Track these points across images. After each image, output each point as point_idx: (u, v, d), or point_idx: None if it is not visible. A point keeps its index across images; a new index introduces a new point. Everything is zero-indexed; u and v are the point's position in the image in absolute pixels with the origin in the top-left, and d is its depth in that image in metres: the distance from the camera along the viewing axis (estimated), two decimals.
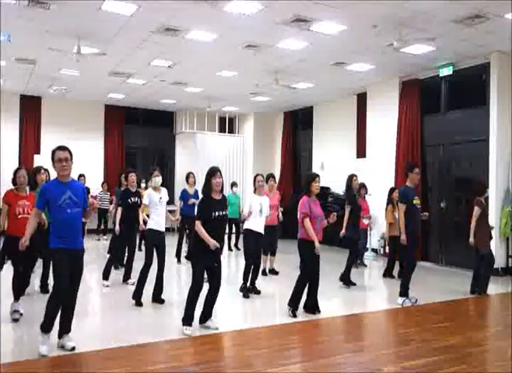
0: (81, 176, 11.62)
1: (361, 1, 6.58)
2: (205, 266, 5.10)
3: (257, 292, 7.03)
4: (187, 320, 5.03)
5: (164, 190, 6.59)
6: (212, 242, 4.89)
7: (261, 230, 6.95)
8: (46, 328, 4.44)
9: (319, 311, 5.95)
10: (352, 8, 6.86)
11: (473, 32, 7.67)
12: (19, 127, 13.58)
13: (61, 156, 4.49)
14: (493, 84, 8.87)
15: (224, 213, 5.11)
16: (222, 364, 4.35)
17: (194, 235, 5.21)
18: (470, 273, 7.56)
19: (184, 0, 6.65)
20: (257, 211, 6.87)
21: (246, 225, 6.99)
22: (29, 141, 13.61)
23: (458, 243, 9.55)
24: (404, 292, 6.52)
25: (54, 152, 4.55)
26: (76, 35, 8.06)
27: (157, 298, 6.32)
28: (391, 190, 8.67)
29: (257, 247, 6.97)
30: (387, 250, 10.74)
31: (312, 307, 5.96)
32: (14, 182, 5.79)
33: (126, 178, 7.48)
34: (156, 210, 6.38)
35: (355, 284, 7.68)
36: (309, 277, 5.87)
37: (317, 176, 5.96)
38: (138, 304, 6.17)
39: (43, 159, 13.41)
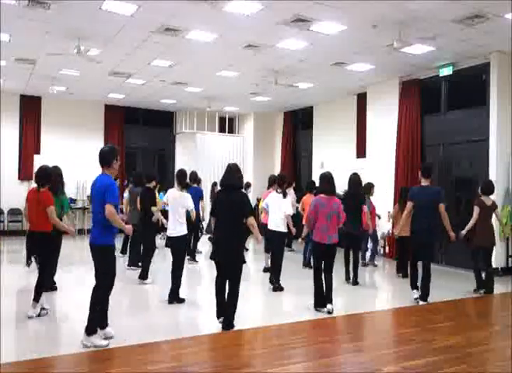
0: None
1: (361, 1, 6.58)
2: None
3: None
4: None
5: None
6: None
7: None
8: (99, 325, 4.71)
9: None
10: (352, 8, 6.86)
11: (473, 32, 7.67)
12: (19, 127, 13.58)
13: None
14: (493, 84, 8.86)
15: None
16: (222, 364, 4.34)
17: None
18: (470, 273, 7.56)
19: (184, 0, 6.65)
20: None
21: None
22: (29, 141, 13.61)
23: (458, 243, 9.54)
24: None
25: None
26: (76, 35, 8.06)
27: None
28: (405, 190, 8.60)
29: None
30: (387, 250, 10.78)
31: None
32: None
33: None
34: None
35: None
36: None
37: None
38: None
39: (43, 159, 13.47)
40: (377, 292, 8.10)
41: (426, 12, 6.92)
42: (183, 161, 15.64)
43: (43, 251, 5.62)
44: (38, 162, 13.39)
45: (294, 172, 15.04)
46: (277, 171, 15.05)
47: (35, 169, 13.19)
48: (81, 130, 14.12)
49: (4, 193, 12.94)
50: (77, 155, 13.37)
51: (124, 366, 4.18)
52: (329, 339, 5.24)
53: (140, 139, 15.42)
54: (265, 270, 8.49)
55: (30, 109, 13.64)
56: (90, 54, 8.58)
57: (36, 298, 5.51)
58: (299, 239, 6.50)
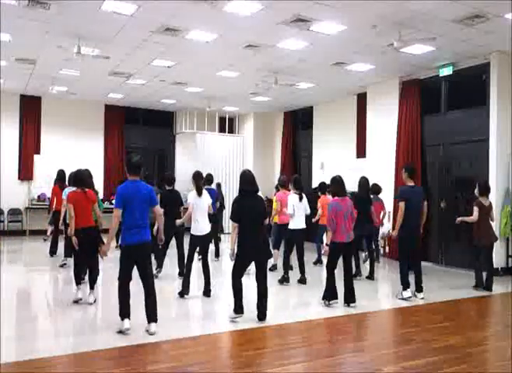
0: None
1: (361, 1, 6.58)
2: None
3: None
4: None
5: None
6: None
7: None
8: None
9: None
10: (352, 8, 6.86)
11: (473, 32, 7.67)
12: (19, 127, 13.58)
13: None
14: (493, 84, 8.86)
15: None
16: (222, 364, 4.35)
17: None
18: (470, 272, 7.57)
19: (184, 0, 6.65)
20: None
21: None
22: (29, 141, 13.61)
23: (458, 243, 9.56)
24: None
25: None
26: (76, 35, 8.06)
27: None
28: None
29: None
30: (387, 250, 10.77)
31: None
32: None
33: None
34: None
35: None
36: None
37: None
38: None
39: (43, 159, 13.49)
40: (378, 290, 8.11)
41: (426, 12, 6.92)
42: (183, 161, 15.64)
43: (95, 243, 6.24)
44: (38, 162, 13.46)
45: (294, 173, 15.01)
46: (277, 171, 15.06)
47: (35, 169, 13.39)
48: (81, 130, 14.13)
49: (4, 193, 12.94)
50: (77, 155, 13.36)
51: (124, 366, 4.18)
52: (329, 339, 5.25)
53: (140, 139, 15.42)
54: (273, 267, 8.53)
55: (30, 109, 13.64)
56: (90, 54, 8.57)
57: (92, 286, 6.31)
58: (324, 250, 6.71)
